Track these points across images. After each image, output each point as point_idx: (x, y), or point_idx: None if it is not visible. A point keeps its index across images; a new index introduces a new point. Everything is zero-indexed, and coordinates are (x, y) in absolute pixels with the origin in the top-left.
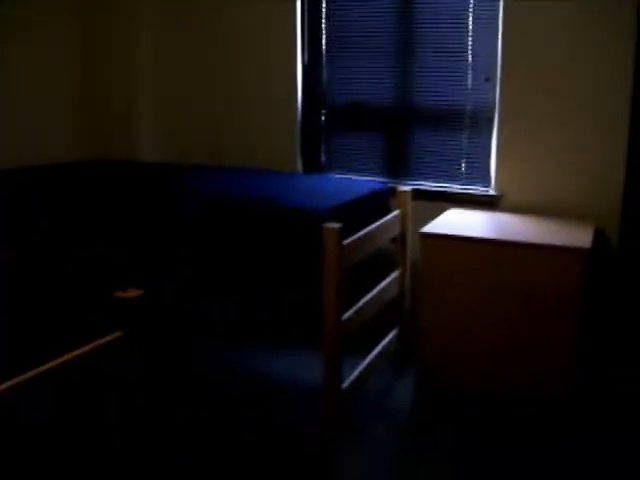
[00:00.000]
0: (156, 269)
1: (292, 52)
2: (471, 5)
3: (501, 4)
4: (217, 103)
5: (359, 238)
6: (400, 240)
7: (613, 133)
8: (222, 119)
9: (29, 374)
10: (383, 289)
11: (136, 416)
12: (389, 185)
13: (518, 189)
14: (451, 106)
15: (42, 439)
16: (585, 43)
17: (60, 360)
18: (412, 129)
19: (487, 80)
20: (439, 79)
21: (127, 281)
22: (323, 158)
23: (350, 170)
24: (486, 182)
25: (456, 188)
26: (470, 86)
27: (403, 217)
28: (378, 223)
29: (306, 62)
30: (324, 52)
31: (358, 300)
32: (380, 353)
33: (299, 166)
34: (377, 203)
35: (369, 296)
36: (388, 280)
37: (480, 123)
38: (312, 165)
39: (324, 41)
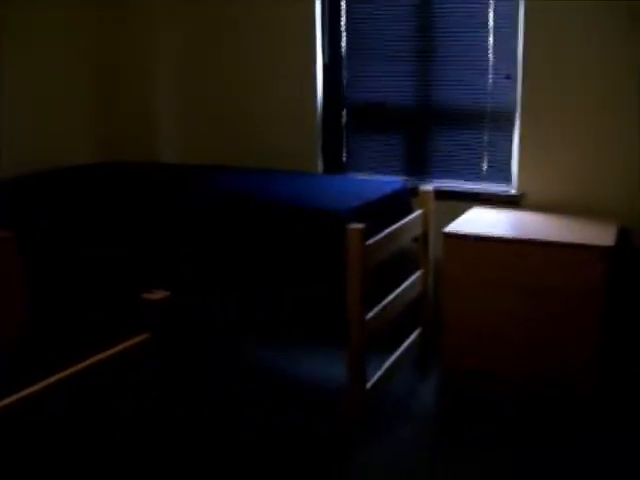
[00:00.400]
0: (179, 270)
1: (312, 52)
2: (492, 3)
3: (522, 2)
4: (237, 104)
5: (382, 238)
6: (422, 240)
7: (636, 131)
8: (242, 120)
9: (56, 377)
10: (406, 289)
11: (155, 417)
12: (411, 185)
13: (540, 188)
14: (472, 105)
15: (65, 441)
16: (606, 40)
17: (86, 363)
18: (433, 128)
19: (508, 77)
20: (460, 78)
21: (152, 282)
22: (344, 158)
23: (372, 170)
24: (508, 181)
25: (478, 187)
26: (491, 85)
27: (425, 217)
28: (401, 223)
29: (326, 62)
30: (344, 52)
31: (381, 300)
32: (403, 353)
33: (320, 166)
34: (399, 203)
35: (392, 296)
36: (411, 280)
37: (501, 122)
38: (333, 165)
39: (344, 41)
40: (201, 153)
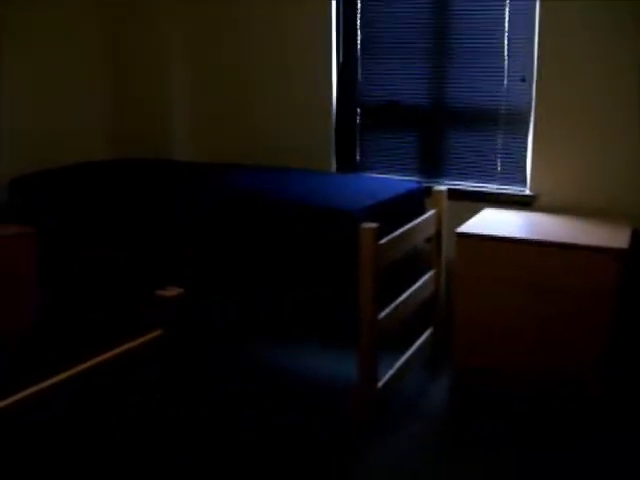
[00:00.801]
0: (189, 269)
1: (327, 51)
2: (507, 5)
3: (538, 3)
4: (251, 102)
5: (395, 238)
6: (435, 239)
7: None
8: (256, 118)
9: (63, 375)
10: (418, 289)
11: (158, 417)
12: (424, 184)
13: (554, 189)
14: (486, 105)
15: (72, 439)
16: (621, 42)
17: (99, 359)
18: (447, 128)
19: (523, 80)
20: (474, 78)
21: (159, 282)
22: (358, 157)
23: (385, 169)
24: (521, 182)
25: (491, 188)
26: (506, 85)
27: (438, 217)
28: (413, 223)
29: (341, 61)
30: (359, 51)
31: (394, 299)
32: (415, 352)
33: (333, 165)
34: (412, 202)
35: (404, 295)
36: (423, 280)
37: (515, 123)
38: (347, 164)
39: (359, 40)
40: (215, 151)
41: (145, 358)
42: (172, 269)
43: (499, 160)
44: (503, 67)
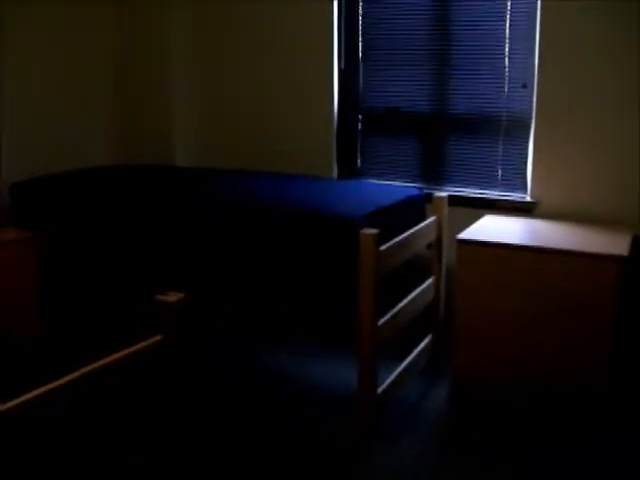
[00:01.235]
0: (191, 273)
1: (328, 57)
2: (508, 11)
3: (538, 10)
4: (252, 108)
5: (395, 244)
6: (436, 246)
7: None
8: (258, 124)
9: (68, 377)
10: (418, 295)
11: (158, 417)
12: (425, 191)
13: (554, 196)
14: (487, 112)
15: (72, 439)
16: (622, 48)
17: (99, 363)
18: (448, 135)
19: (524, 86)
20: (475, 85)
21: (165, 284)
22: (359, 163)
23: (386, 176)
24: (522, 189)
25: (492, 194)
26: (506, 92)
27: (439, 223)
28: (414, 229)
29: (342, 67)
30: (360, 57)
31: (394, 306)
32: (415, 359)
33: (335, 171)
34: (413, 209)
35: (405, 302)
36: (423, 286)
37: (516, 129)
38: (348, 170)
39: (360, 46)
40: (217, 157)
41: (146, 362)
42: (174, 274)
43: (500, 167)
44: (504, 74)
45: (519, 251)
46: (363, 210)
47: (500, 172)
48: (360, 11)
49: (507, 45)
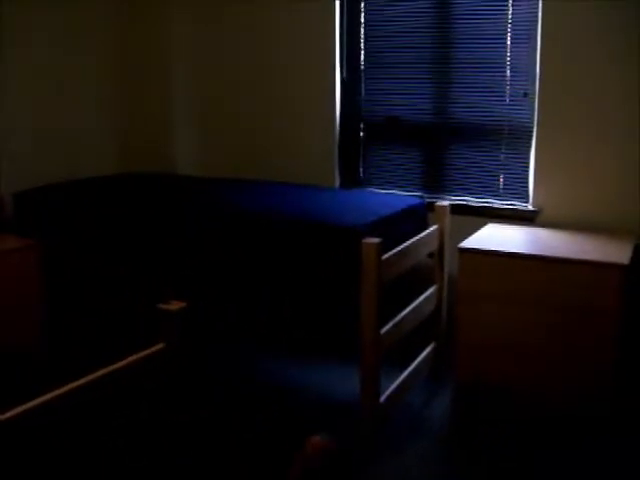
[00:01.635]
0: (193, 283)
1: (331, 66)
2: (509, 21)
3: (540, 19)
4: (255, 117)
5: (397, 253)
6: (438, 255)
7: None
8: (260, 133)
9: (68, 387)
10: (421, 304)
11: (160, 422)
12: (427, 200)
13: (556, 204)
14: (489, 121)
15: (77, 448)
16: (623, 56)
17: (101, 372)
18: (450, 144)
19: (525, 95)
20: (477, 94)
21: (167, 292)
22: (361, 173)
23: (388, 185)
24: (524, 197)
25: (494, 203)
26: (508, 101)
27: (441, 232)
28: (416, 238)
29: (344, 77)
30: (362, 67)
31: (396, 314)
32: (417, 368)
33: (337, 181)
34: (415, 218)
35: (407, 310)
36: (425, 295)
37: (518, 138)
38: (350, 180)
39: (362, 56)
40: (218, 166)
41: (149, 371)
42: (176, 283)
43: (501, 175)
44: (505, 83)
45: (521, 260)
46: (365, 219)
47: (502, 181)
48: (362, 21)
49: (508, 55)
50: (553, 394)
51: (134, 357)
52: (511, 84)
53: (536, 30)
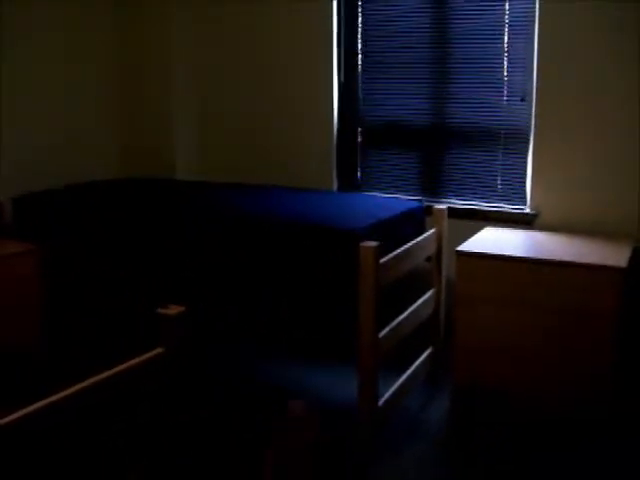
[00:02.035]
0: (193, 287)
1: (328, 70)
2: (507, 24)
3: (537, 23)
4: (253, 121)
5: (395, 257)
6: (435, 258)
7: None
8: (258, 137)
9: (67, 391)
10: (418, 307)
11: (160, 424)
12: (425, 203)
13: (554, 208)
14: (487, 125)
15: (76, 454)
16: (621, 59)
17: (102, 376)
18: (448, 147)
19: (522, 100)
20: (475, 97)
21: (167, 295)
22: (359, 176)
23: (386, 188)
24: (522, 201)
25: (492, 206)
26: (506, 105)
27: (439, 235)
28: (414, 241)
29: (342, 80)
30: (360, 70)
31: (394, 318)
32: (415, 371)
33: (335, 184)
34: (413, 221)
35: (405, 314)
36: (423, 298)
37: (516, 142)
38: (348, 183)
39: (360, 59)
40: (217, 170)
41: (148, 375)
42: (176, 288)
43: (499, 179)
44: (503, 86)
45: (519, 263)
46: (363, 223)
47: (499, 184)
48: (359, 25)
49: (505, 59)
50: (550, 397)
51: (132, 362)
52: (508, 88)
53: (533, 35)
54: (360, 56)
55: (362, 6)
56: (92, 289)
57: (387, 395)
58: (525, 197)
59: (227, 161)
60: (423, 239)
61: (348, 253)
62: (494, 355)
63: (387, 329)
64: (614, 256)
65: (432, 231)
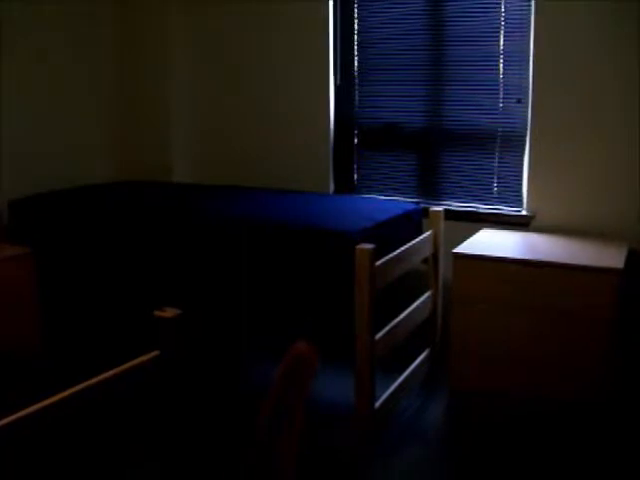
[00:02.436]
0: (188, 287)
1: (324, 73)
2: (503, 26)
3: (532, 26)
4: (249, 125)
5: (392, 259)
6: (432, 260)
7: None
8: (254, 140)
9: (63, 394)
10: (415, 310)
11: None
12: (421, 205)
13: (550, 210)
14: (483, 127)
15: (72, 455)
16: (616, 62)
17: (98, 378)
18: (444, 149)
19: (519, 102)
20: (471, 100)
21: (161, 299)
22: (356, 179)
23: (382, 191)
24: (518, 203)
25: (488, 208)
26: (502, 107)
27: (435, 237)
28: (411, 244)
29: (338, 83)
30: (356, 73)
31: (390, 320)
32: (412, 374)
33: (331, 187)
34: (409, 224)
35: (401, 317)
36: (420, 301)
37: (512, 144)
38: (344, 186)
39: (356, 62)
40: (213, 173)
41: (144, 378)
42: (172, 289)
43: (496, 181)
44: (499, 89)
45: (515, 265)
46: (359, 225)
47: (496, 186)
48: (356, 27)
49: (501, 61)
50: (548, 399)
51: (129, 364)
52: (504, 90)
53: (529, 36)
54: (356, 58)
55: (358, 9)
56: (88, 292)
57: (384, 397)
58: (521, 199)
59: (224, 164)
60: (420, 241)
61: (344, 256)
62: (491, 357)
63: (384, 331)
64: (610, 258)
65: (429, 233)
